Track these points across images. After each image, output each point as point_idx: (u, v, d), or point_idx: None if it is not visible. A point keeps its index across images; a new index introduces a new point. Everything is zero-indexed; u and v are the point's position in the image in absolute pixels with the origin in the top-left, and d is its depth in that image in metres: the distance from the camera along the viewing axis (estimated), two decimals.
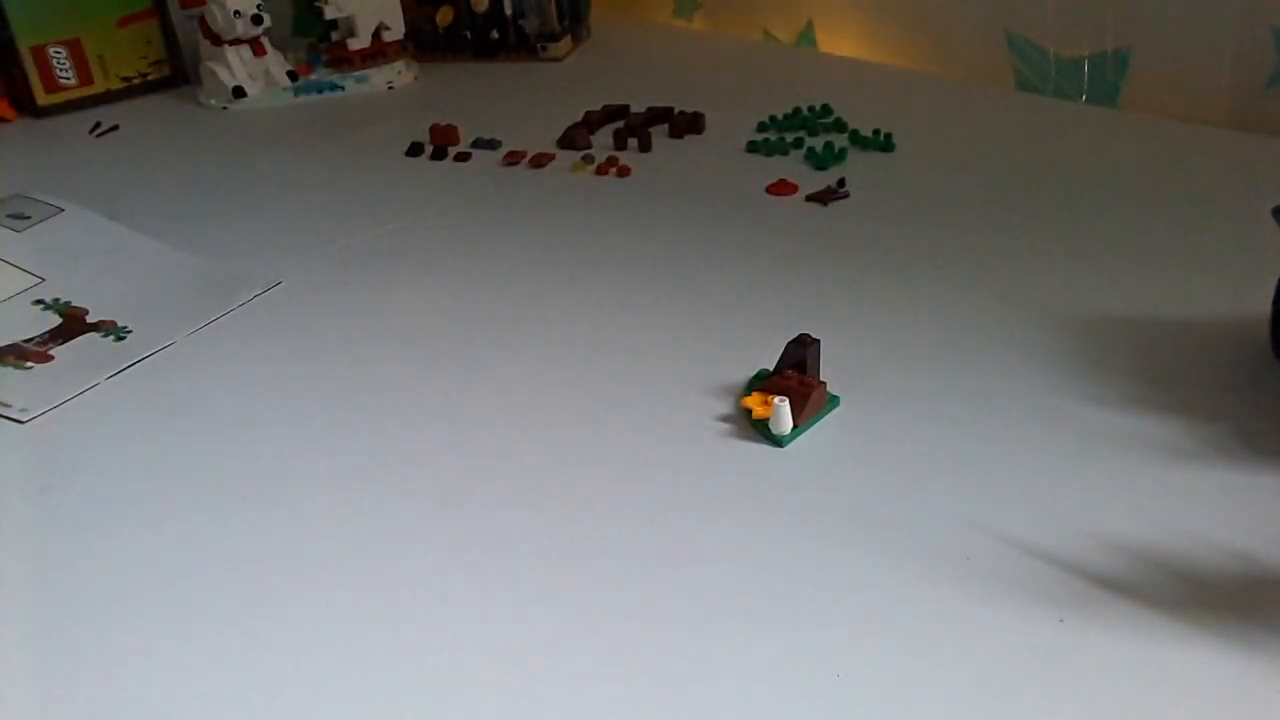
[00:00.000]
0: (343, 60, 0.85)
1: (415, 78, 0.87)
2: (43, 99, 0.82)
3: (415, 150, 0.69)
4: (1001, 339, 0.44)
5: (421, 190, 0.64)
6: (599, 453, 0.39)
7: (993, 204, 0.57)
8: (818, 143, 0.67)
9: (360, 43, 0.84)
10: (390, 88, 0.85)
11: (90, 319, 0.48)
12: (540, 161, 0.66)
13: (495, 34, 0.90)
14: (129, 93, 0.85)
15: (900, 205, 0.58)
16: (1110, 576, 0.32)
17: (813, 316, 0.46)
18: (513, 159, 0.67)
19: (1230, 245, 0.51)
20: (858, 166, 0.63)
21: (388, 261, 0.54)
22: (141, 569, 0.34)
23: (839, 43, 0.88)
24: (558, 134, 0.69)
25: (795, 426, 0.38)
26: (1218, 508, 0.34)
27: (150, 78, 0.87)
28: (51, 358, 0.45)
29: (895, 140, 0.66)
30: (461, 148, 0.69)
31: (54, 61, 0.82)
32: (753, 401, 0.39)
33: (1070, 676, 0.29)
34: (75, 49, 0.82)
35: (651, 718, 0.28)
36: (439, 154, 0.68)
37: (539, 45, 0.89)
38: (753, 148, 0.66)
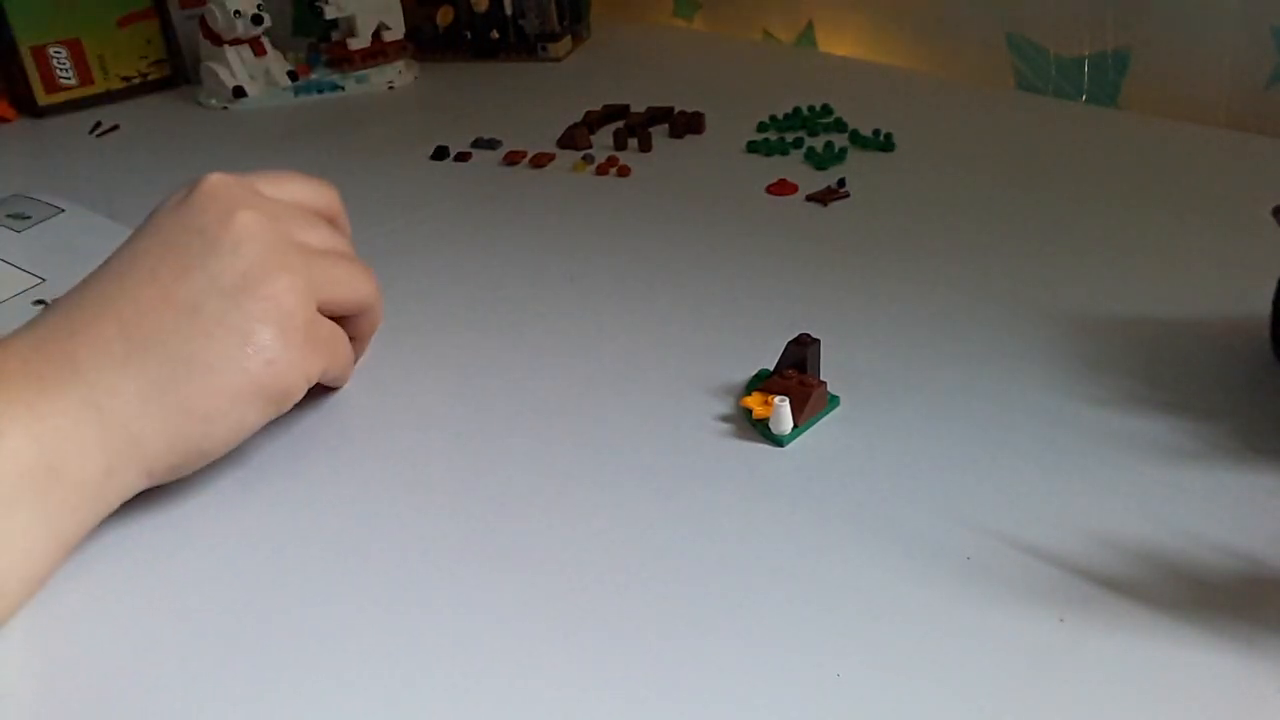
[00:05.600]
0: (343, 60, 0.85)
1: (415, 78, 0.87)
2: (43, 99, 0.82)
3: (414, 150, 0.69)
4: (1002, 339, 0.44)
5: (421, 190, 0.64)
6: (598, 452, 0.39)
7: (993, 204, 0.57)
8: (818, 143, 0.67)
9: (360, 43, 0.84)
10: (390, 88, 0.85)
11: None
12: (540, 161, 0.66)
13: (495, 34, 0.90)
14: (129, 93, 0.85)
15: (900, 205, 0.58)
16: (1110, 576, 0.32)
17: (813, 316, 0.46)
18: (513, 159, 0.67)
19: (1230, 245, 0.51)
20: (858, 166, 0.63)
21: (387, 261, 0.54)
22: (141, 567, 0.34)
23: (839, 43, 0.88)
24: (558, 134, 0.70)
25: (795, 426, 0.38)
26: (1218, 508, 0.34)
27: (150, 78, 0.87)
28: None
29: (895, 140, 0.66)
30: (461, 148, 0.69)
31: (54, 61, 0.82)
32: (753, 401, 0.39)
33: (1070, 676, 0.29)
34: (75, 49, 0.82)
35: (650, 718, 0.28)
36: (439, 154, 0.68)
37: (539, 45, 0.89)
38: (753, 148, 0.66)
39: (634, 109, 0.73)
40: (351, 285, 0.40)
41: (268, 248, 0.36)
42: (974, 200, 0.58)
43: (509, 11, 0.89)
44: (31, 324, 0.35)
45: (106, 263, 0.36)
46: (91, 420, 0.33)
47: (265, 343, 0.35)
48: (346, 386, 0.43)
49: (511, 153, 0.67)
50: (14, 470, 0.31)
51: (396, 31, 0.86)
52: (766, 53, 0.90)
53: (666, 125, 0.71)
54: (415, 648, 0.31)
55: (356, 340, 0.42)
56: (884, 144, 0.66)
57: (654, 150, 0.67)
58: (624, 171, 0.64)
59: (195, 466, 0.36)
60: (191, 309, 0.35)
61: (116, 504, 0.34)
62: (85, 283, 0.36)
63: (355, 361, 0.43)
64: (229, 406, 0.35)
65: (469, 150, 0.69)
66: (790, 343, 0.41)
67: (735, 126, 0.70)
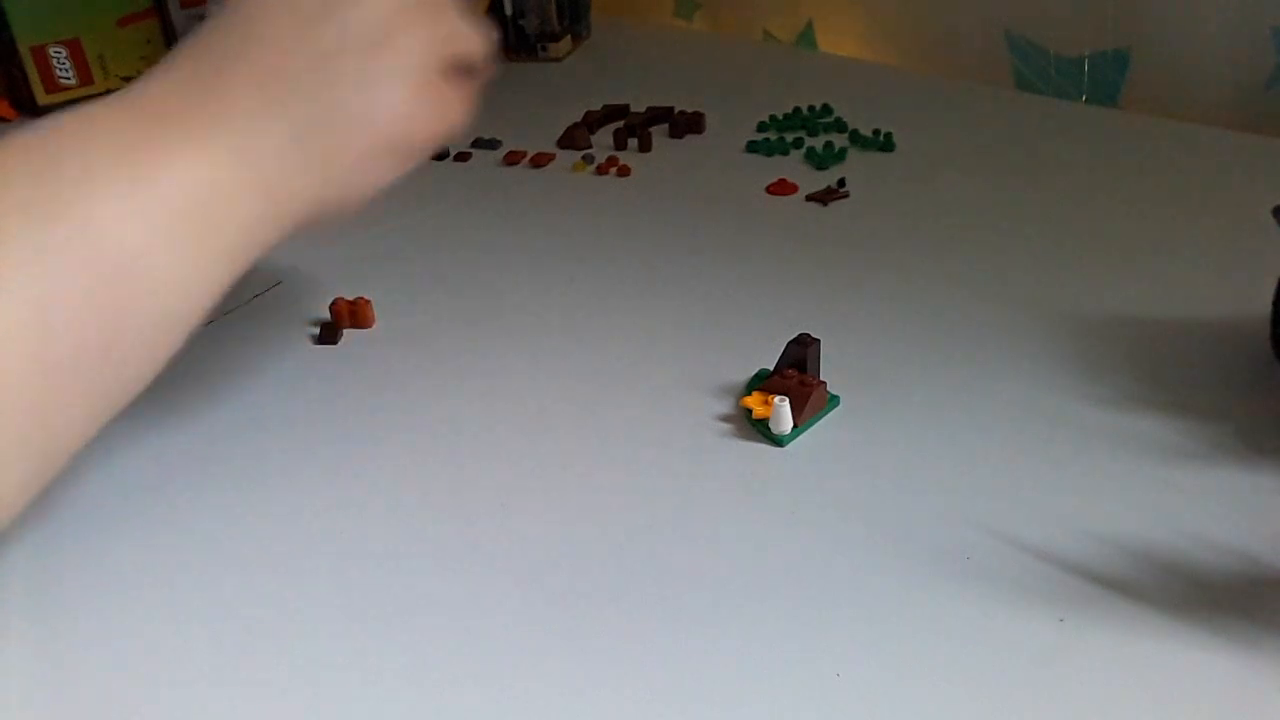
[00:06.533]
0: None
1: None
2: (43, 99, 0.82)
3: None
4: (1002, 338, 0.44)
5: (421, 190, 0.64)
6: (598, 452, 0.39)
7: (993, 204, 0.57)
8: (818, 143, 0.67)
9: None
10: None
11: None
12: (540, 161, 0.66)
13: (495, 34, 0.90)
14: None
15: (900, 205, 0.58)
16: (1110, 576, 0.32)
17: (813, 316, 0.46)
18: (513, 159, 0.67)
19: (1230, 245, 0.51)
20: (858, 166, 0.63)
21: (386, 261, 0.54)
22: (142, 568, 0.34)
23: (839, 43, 0.88)
24: (558, 134, 0.69)
25: (795, 426, 0.38)
26: (1218, 508, 0.34)
27: None
28: None
29: (895, 140, 0.66)
30: (461, 148, 0.69)
31: (54, 61, 0.82)
32: (753, 401, 0.39)
33: (1070, 676, 0.29)
34: (75, 49, 0.82)
35: (650, 718, 0.28)
36: (439, 154, 0.68)
37: (539, 45, 0.89)
38: (753, 148, 0.66)
39: (634, 109, 0.73)
40: (474, 40, 0.40)
41: (398, 1, 0.35)
42: (974, 200, 0.58)
43: (509, 11, 0.89)
44: (164, 71, 0.34)
45: (233, 12, 0.35)
46: (236, 165, 0.32)
47: (397, 98, 0.35)
48: (345, 386, 0.43)
49: (511, 153, 0.67)
50: (166, 212, 0.31)
51: None
52: (766, 53, 0.90)
53: (666, 125, 0.71)
54: (415, 647, 0.31)
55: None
56: (884, 144, 0.66)
57: (654, 150, 0.67)
58: (624, 171, 0.64)
59: (330, 219, 0.35)
60: (323, 62, 0.34)
61: (258, 252, 0.34)
62: (213, 31, 0.35)
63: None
64: (362, 160, 0.35)
65: (469, 150, 0.69)
66: (790, 343, 0.41)
67: (735, 126, 0.70)
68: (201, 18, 0.88)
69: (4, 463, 0.28)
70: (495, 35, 0.41)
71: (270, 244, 0.34)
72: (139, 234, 0.30)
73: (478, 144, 0.70)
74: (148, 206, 0.30)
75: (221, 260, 0.32)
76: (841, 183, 0.60)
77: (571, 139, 0.68)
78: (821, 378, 0.41)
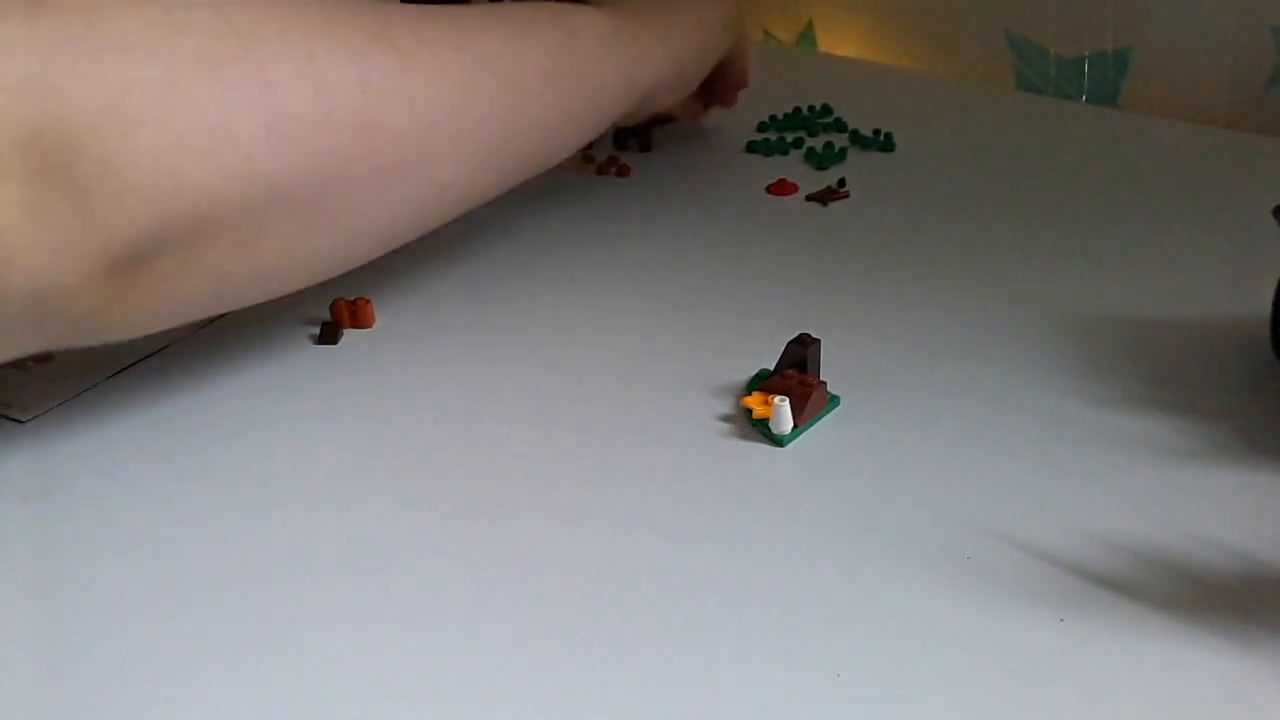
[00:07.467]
0: None
1: None
2: None
3: None
4: (1002, 339, 0.44)
5: None
6: (597, 452, 0.39)
7: (993, 204, 0.57)
8: (818, 143, 0.67)
9: None
10: None
11: None
12: None
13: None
14: None
15: (900, 205, 0.58)
16: (1110, 576, 0.32)
17: (813, 316, 0.46)
18: None
19: (1230, 245, 0.51)
20: (858, 166, 0.63)
21: (384, 261, 0.54)
22: (142, 569, 0.34)
23: (839, 43, 0.88)
24: None
25: (795, 426, 0.38)
26: (1218, 508, 0.34)
27: None
28: (51, 358, 0.45)
29: (895, 140, 0.66)
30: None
31: None
32: (753, 401, 0.39)
33: (1071, 676, 0.29)
34: None
35: (648, 717, 0.28)
36: None
37: None
38: (753, 148, 0.66)
39: None
40: (730, 84, 0.66)
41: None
42: (974, 200, 0.58)
43: None
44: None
45: None
46: (629, 30, 0.51)
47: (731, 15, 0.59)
48: (345, 386, 0.43)
49: None
50: (597, 33, 0.48)
51: None
52: (766, 53, 0.90)
53: (666, 125, 0.71)
54: (414, 645, 0.31)
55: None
56: (884, 144, 0.66)
57: (654, 150, 0.67)
58: (624, 171, 0.64)
59: (642, 108, 0.55)
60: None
61: (625, 100, 0.52)
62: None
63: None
64: (673, 75, 0.55)
65: None
66: (790, 343, 0.41)
67: (735, 126, 0.70)
68: None
69: (510, 150, 0.45)
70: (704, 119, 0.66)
71: (633, 95, 0.52)
72: (585, 38, 0.47)
73: None
74: (589, 26, 0.48)
75: (620, 80, 0.50)
76: (841, 183, 0.60)
77: None
78: (821, 378, 0.41)
